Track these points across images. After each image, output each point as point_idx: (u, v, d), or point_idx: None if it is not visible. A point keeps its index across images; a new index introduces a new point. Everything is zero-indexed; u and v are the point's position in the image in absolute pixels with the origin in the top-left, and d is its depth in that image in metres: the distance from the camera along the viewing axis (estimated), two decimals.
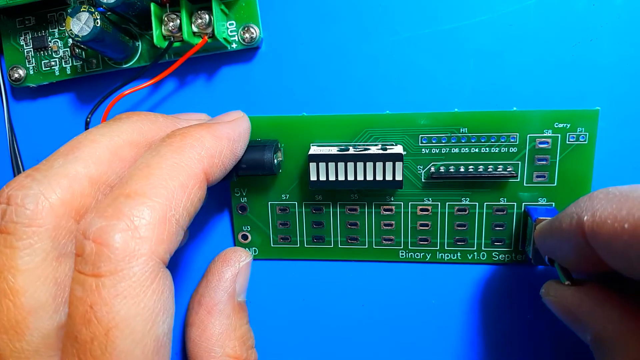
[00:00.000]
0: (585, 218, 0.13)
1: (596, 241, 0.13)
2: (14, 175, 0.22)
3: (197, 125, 0.16)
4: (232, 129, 0.17)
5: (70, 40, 0.21)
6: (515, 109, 0.19)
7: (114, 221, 0.13)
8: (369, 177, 0.18)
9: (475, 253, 0.21)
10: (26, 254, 0.13)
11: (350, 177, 0.18)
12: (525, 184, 0.19)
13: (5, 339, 0.13)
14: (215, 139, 0.16)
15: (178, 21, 0.19)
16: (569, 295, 0.16)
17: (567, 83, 0.19)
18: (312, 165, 0.18)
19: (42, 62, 0.21)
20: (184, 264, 0.22)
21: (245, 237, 0.22)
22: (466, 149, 0.19)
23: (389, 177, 0.18)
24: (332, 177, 0.18)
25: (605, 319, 0.14)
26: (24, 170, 0.22)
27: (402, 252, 0.21)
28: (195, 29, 0.19)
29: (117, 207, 0.13)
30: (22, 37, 0.21)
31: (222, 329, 0.19)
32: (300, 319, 0.22)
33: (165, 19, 0.19)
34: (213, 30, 0.19)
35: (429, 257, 0.21)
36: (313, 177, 0.18)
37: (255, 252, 0.22)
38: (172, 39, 0.19)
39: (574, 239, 0.14)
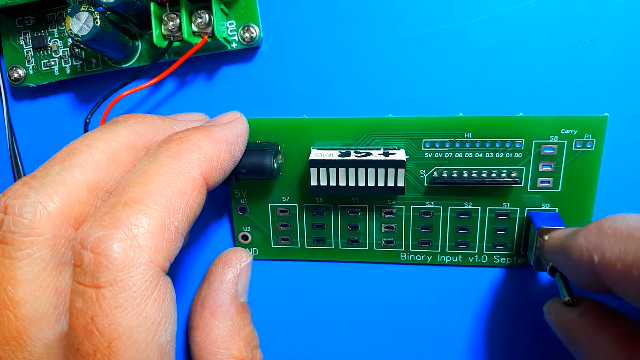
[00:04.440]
0: (595, 259, 0.13)
1: (606, 278, 0.13)
2: (14, 175, 0.22)
3: (194, 129, 0.16)
4: (229, 131, 0.17)
5: (69, 40, 0.20)
6: (521, 114, 0.18)
7: (111, 230, 0.13)
8: (370, 183, 0.18)
9: (477, 256, 0.20)
10: (25, 264, 0.13)
11: (352, 183, 0.18)
12: (529, 190, 0.19)
13: (7, 350, 0.13)
14: (213, 142, 0.16)
15: (178, 21, 0.18)
16: (568, 321, 0.16)
17: (568, 83, 0.19)
18: (313, 171, 0.18)
19: (42, 61, 0.21)
20: (184, 265, 0.22)
21: (245, 237, 0.22)
22: (470, 154, 0.19)
23: (390, 184, 0.18)
24: (332, 183, 0.18)
25: (599, 347, 0.15)
26: (23, 170, 0.22)
27: (403, 254, 0.21)
28: (195, 29, 0.19)
29: (115, 215, 0.13)
30: (22, 37, 0.21)
31: (226, 331, 0.19)
32: (300, 319, 0.22)
33: (165, 18, 0.19)
34: (213, 29, 0.18)
35: (429, 259, 0.21)
36: (314, 183, 0.18)
37: (255, 252, 0.22)
38: (172, 38, 0.19)
39: (584, 270, 0.14)
